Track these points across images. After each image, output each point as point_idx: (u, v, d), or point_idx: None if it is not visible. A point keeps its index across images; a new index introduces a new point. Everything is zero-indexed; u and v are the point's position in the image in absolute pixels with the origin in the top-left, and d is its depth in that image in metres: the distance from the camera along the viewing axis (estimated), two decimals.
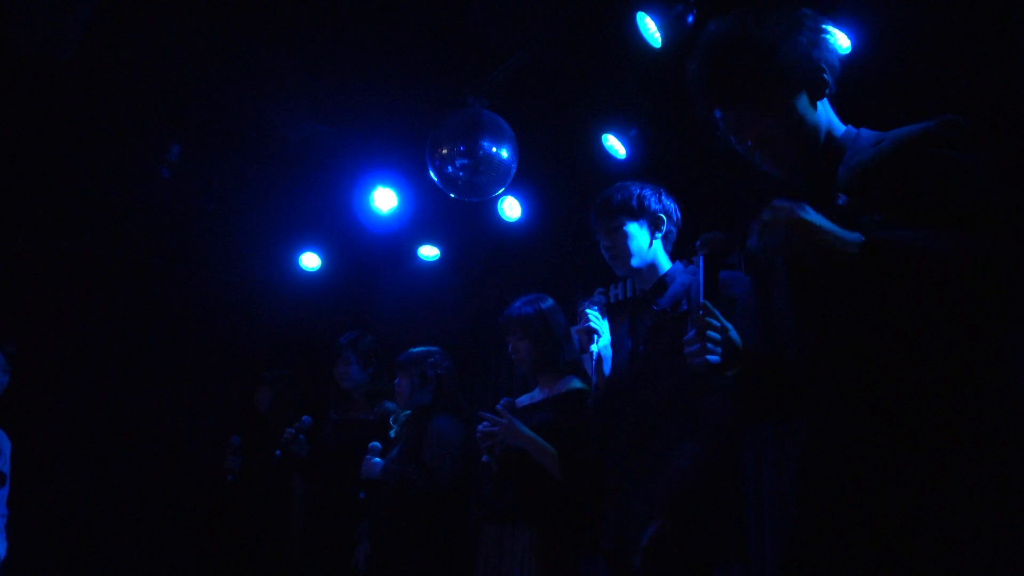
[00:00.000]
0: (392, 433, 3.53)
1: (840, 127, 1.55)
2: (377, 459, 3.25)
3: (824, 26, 1.51)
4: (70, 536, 4.58)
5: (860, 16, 2.80)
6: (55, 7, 2.99)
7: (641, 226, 2.38)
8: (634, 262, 2.37)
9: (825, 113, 1.52)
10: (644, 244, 2.37)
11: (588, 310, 2.49)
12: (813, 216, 1.31)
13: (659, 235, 2.40)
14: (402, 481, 3.13)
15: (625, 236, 2.36)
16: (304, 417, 3.81)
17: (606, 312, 2.50)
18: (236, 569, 4.26)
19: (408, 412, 3.45)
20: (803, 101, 1.48)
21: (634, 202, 2.37)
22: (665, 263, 2.42)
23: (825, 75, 1.48)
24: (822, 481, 1.42)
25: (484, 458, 2.91)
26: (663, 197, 2.43)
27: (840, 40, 2.86)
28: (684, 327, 1.91)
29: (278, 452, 3.82)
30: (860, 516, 1.35)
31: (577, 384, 2.88)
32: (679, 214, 2.46)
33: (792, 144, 1.49)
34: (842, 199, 1.40)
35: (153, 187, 4.29)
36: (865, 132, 1.53)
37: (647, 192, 2.40)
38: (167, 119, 4.07)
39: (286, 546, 3.98)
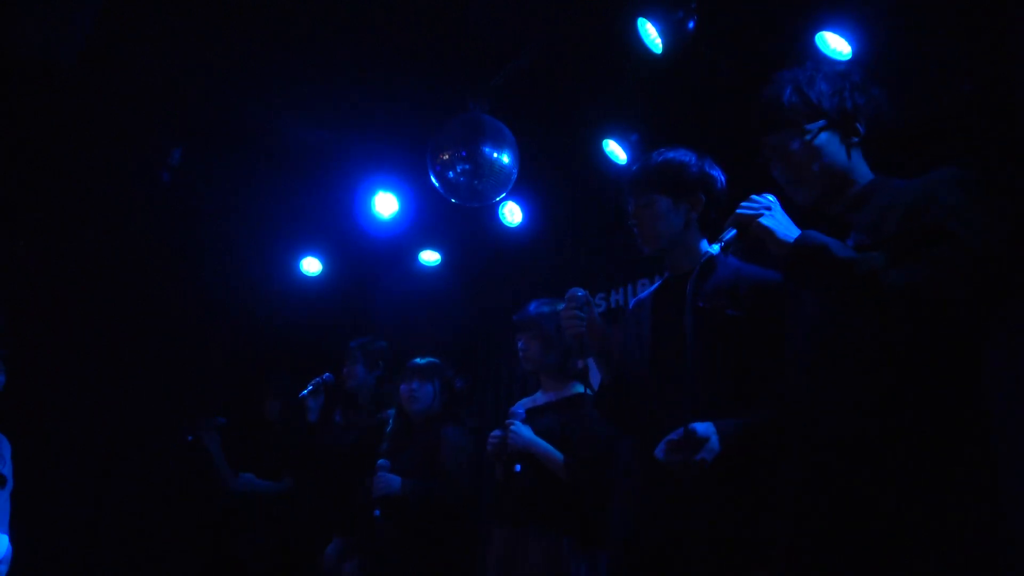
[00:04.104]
0: (385, 444, 3.51)
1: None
2: (392, 475, 3.18)
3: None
4: (72, 538, 4.57)
5: (861, 22, 2.80)
6: (58, 11, 2.99)
7: (676, 203, 2.12)
8: (663, 243, 2.14)
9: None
10: (677, 224, 2.13)
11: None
12: (771, 221, 1.64)
13: (695, 215, 2.14)
14: (428, 497, 3.13)
15: (654, 214, 2.12)
16: (218, 418, 3.95)
17: (589, 309, 2.22)
18: (236, 570, 4.26)
19: (392, 413, 3.45)
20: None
21: (671, 174, 2.13)
22: (701, 246, 2.18)
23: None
24: (814, 489, 1.54)
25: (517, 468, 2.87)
26: (706, 168, 2.17)
27: (841, 46, 2.87)
28: (733, 328, 1.97)
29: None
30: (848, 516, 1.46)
31: (580, 389, 2.88)
32: (722, 186, 2.19)
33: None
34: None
35: (154, 191, 4.30)
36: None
37: (689, 161, 2.15)
38: (169, 123, 4.07)
39: (285, 548, 3.97)
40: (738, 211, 1.70)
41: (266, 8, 3.38)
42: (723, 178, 2.21)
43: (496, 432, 2.90)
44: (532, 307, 2.98)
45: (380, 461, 3.25)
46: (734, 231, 1.70)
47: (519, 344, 2.98)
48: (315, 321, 5.24)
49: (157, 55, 3.57)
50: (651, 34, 3.05)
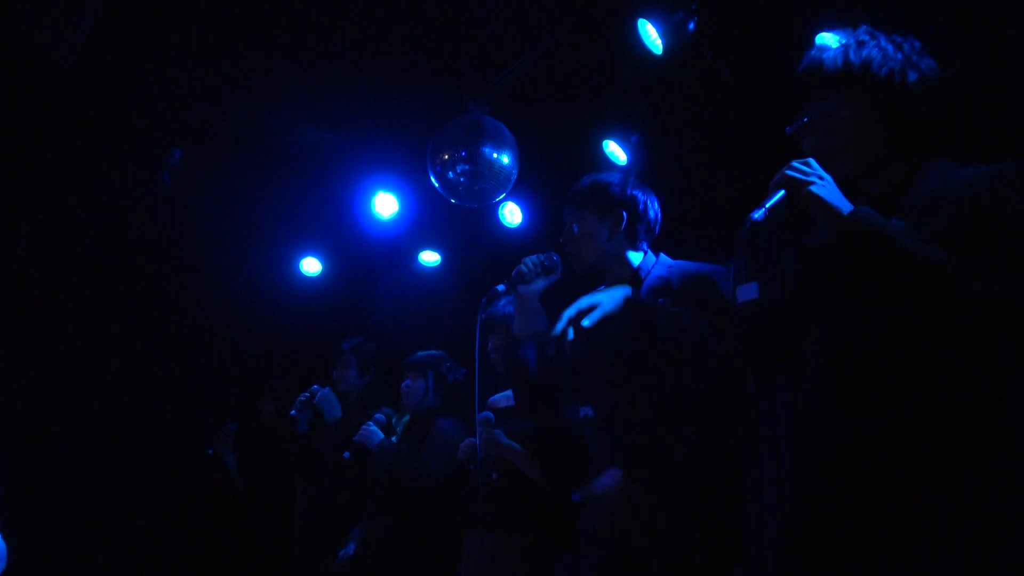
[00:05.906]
0: (394, 439, 3.52)
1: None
2: (378, 430, 3.25)
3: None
4: (70, 540, 4.57)
5: (855, 24, 2.80)
6: (58, 11, 3.00)
7: (601, 222, 2.22)
8: (592, 261, 2.23)
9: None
10: (602, 240, 2.22)
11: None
12: (823, 190, 1.48)
13: (620, 230, 2.22)
14: (396, 461, 3.12)
15: (582, 235, 2.22)
16: (230, 425, 3.89)
17: (551, 277, 2.27)
18: (236, 572, 4.27)
19: (408, 417, 3.44)
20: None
21: (595, 196, 2.23)
22: (633, 257, 2.25)
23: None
24: (823, 475, 1.46)
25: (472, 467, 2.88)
26: (629, 188, 2.25)
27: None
28: (674, 324, 1.96)
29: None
30: (865, 516, 1.37)
31: None
32: (647, 205, 2.27)
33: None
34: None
35: (154, 191, 4.30)
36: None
37: (612, 182, 2.25)
38: (169, 124, 4.08)
39: (285, 549, 3.98)
40: (787, 172, 1.53)
41: (266, 9, 3.38)
42: (648, 197, 2.28)
43: (468, 441, 2.91)
44: (499, 306, 2.92)
45: (376, 415, 3.33)
46: (782, 192, 1.51)
47: (488, 346, 2.94)
48: (315, 321, 5.24)
49: (157, 56, 3.57)
50: (651, 35, 3.05)
